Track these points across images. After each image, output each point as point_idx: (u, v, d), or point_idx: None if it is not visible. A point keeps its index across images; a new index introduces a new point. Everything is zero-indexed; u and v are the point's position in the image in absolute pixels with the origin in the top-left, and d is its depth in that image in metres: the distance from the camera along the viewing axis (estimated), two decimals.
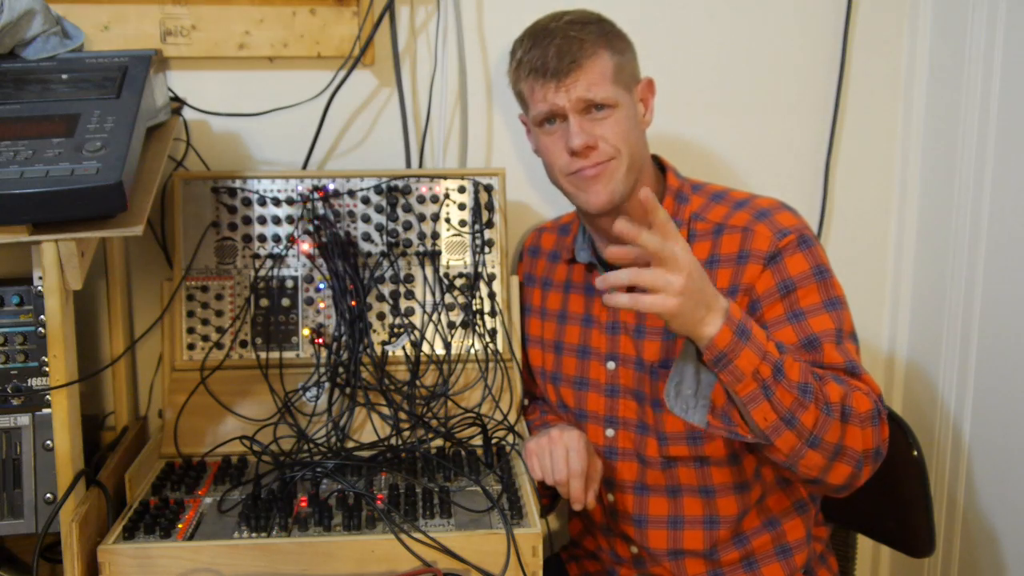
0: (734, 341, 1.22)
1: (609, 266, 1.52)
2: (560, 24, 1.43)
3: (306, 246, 1.65)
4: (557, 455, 1.40)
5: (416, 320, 1.66)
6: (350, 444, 1.58)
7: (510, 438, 1.59)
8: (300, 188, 1.66)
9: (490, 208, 1.70)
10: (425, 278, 1.67)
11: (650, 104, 1.51)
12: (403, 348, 1.65)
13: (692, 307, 1.19)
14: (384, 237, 1.67)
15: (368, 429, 1.60)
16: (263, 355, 1.64)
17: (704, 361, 1.25)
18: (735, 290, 1.41)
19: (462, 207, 1.69)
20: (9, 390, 1.38)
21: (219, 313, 1.65)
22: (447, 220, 1.69)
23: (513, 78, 1.50)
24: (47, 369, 1.31)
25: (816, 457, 1.29)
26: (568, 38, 1.41)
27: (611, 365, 1.53)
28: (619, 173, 1.43)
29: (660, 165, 1.55)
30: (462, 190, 1.69)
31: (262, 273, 1.65)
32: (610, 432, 1.53)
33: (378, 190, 1.67)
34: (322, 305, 1.65)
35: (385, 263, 1.66)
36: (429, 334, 1.66)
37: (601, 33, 1.43)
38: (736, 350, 1.22)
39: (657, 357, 1.47)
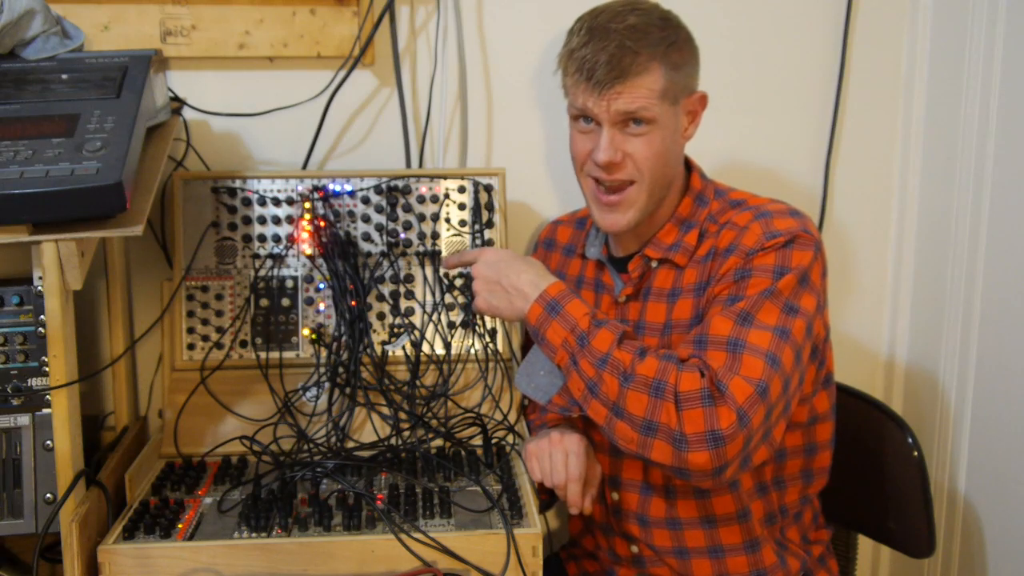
0: (543, 315, 1.33)
1: (619, 264, 1.53)
2: (621, 27, 1.34)
3: (306, 246, 1.65)
4: (557, 458, 1.39)
5: (416, 320, 1.66)
6: (350, 444, 1.58)
7: (510, 438, 1.59)
8: (300, 188, 1.66)
9: (490, 208, 1.70)
10: (425, 278, 1.67)
11: (698, 118, 1.46)
12: (403, 348, 1.65)
13: (493, 297, 1.39)
14: (384, 237, 1.67)
15: (368, 429, 1.60)
16: (263, 355, 1.64)
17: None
18: (713, 280, 1.39)
19: (462, 207, 1.69)
20: (9, 390, 1.38)
21: (219, 313, 1.65)
22: (447, 220, 1.69)
23: (561, 62, 1.43)
24: (47, 369, 1.31)
25: (626, 429, 1.26)
26: (623, 48, 1.33)
27: None
28: (639, 201, 1.41)
29: (687, 164, 1.52)
30: (462, 190, 1.69)
31: (262, 273, 1.65)
32: None
33: (378, 190, 1.67)
34: (322, 305, 1.65)
35: (385, 263, 1.66)
36: (429, 334, 1.66)
37: (661, 43, 1.35)
38: (546, 324, 1.33)
39: None
